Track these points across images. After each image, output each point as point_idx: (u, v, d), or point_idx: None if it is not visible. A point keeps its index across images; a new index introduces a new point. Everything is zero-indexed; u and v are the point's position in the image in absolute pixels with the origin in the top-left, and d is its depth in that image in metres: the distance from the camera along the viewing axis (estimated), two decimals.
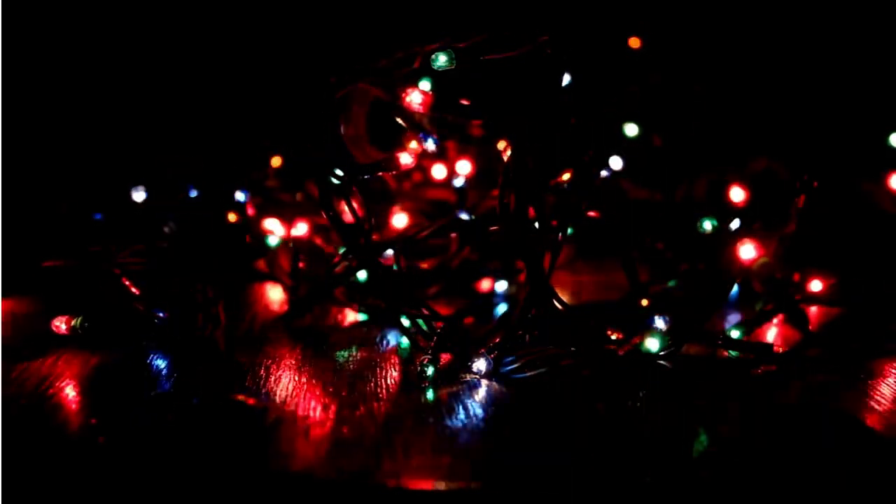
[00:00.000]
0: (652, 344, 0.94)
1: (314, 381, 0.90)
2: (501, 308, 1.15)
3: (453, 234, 1.17)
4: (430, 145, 0.95)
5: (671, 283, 1.15)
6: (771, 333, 1.07)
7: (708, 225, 1.09)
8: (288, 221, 1.19)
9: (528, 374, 0.91)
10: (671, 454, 0.76)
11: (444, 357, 0.94)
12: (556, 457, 0.75)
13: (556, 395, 0.88)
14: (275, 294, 1.24)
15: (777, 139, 1.25)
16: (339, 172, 0.97)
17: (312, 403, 0.85)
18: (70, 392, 0.87)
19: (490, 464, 0.73)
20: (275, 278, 1.26)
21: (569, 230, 0.98)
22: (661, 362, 0.95)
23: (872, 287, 1.13)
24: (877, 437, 0.80)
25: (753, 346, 0.99)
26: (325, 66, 0.98)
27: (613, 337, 0.97)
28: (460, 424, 0.80)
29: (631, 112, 1.19)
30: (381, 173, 0.97)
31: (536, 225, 0.96)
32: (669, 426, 0.81)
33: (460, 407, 0.84)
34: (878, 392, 0.88)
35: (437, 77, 0.92)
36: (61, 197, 1.30)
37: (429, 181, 1.27)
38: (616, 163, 1.20)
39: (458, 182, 1.24)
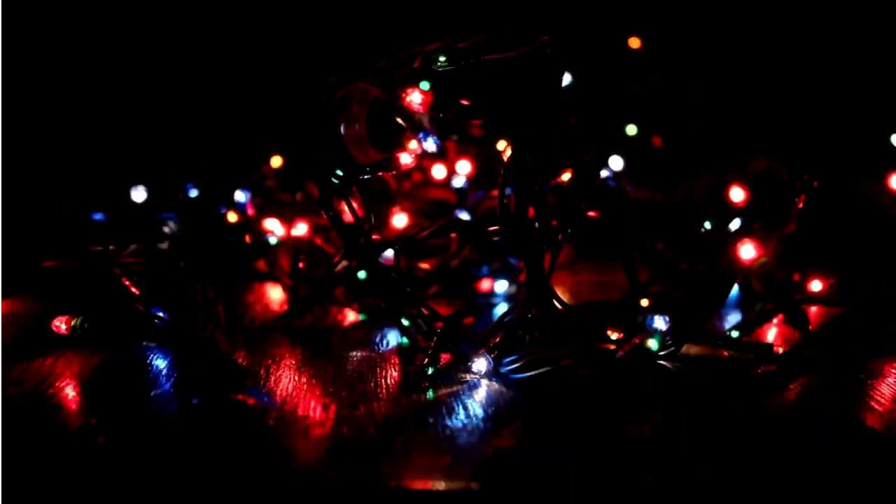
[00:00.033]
0: (652, 344, 0.94)
1: (314, 381, 0.90)
2: (501, 308, 1.15)
3: (453, 234, 1.17)
4: (431, 145, 0.95)
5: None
6: (771, 333, 1.07)
7: (708, 225, 1.09)
8: (288, 221, 1.19)
9: (528, 374, 0.91)
10: (671, 454, 0.76)
11: (444, 357, 0.94)
12: (556, 457, 0.75)
13: (556, 395, 0.88)
14: (275, 294, 1.24)
15: (777, 139, 1.25)
16: (339, 172, 0.97)
17: (312, 403, 0.85)
18: (70, 392, 0.87)
19: (490, 464, 0.73)
20: (275, 278, 1.26)
21: (569, 230, 0.98)
22: (662, 362, 0.95)
23: (872, 287, 1.13)
24: (877, 437, 0.80)
25: (753, 346, 0.99)
26: (325, 66, 0.98)
27: (613, 337, 0.97)
28: (460, 424, 0.80)
29: (631, 112, 1.19)
30: (381, 173, 0.97)
31: (536, 225, 0.96)
32: (669, 426, 0.81)
33: (460, 407, 0.84)
34: (878, 392, 0.88)
35: (437, 77, 0.92)
36: (61, 197, 1.30)
37: (429, 181, 1.27)
38: (616, 163, 1.20)
39: (458, 182, 1.24)
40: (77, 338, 0.99)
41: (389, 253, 1.07)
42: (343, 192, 0.99)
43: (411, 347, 0.99)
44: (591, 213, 1.05)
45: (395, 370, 0.94)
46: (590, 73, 1.03)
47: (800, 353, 0.97)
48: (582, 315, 1.01)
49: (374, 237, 1.02)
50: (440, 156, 1.22)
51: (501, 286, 1.19)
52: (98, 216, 1.28)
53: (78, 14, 1.47)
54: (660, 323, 0.96)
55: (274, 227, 1.22)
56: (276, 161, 1.28)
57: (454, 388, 0.88)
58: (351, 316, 1.13)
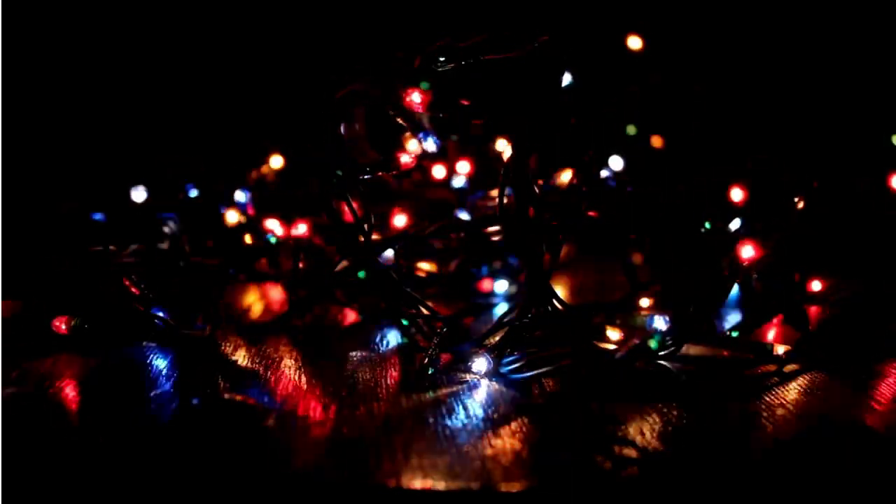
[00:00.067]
0: (652, 344, 0.94)
1: (314, 381, 0.90)
2: (501, 308, 1.15)
3: (454, 235, 1.17)
4: (431, 145, 0.95)
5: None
6: (771, 333, 1.07)
7: (707, 225, 1.09)
8: (288, 221, 1.19)
9: (528, 374, 0.91)
10: (671, 454, 0.76)
11: (444, 357, 0.94)
12: (556, 457, 0.75)
13: (556, 395, 0.88)
14: (275, 294, 1.24)
15: (777, 139, 1.25)
16: (339, 172, 0.96)
17: (312, 403, 0.85)
18: (70, 392, 0.87)
19: (490, 464, 0.73)
20: (275, 278, 1.26)
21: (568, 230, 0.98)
22: (662, 362, 0.95)
23: (872, 287, 1.13)
24: (877, 436, 0.80)
25: (753, 346, 0.99)
26: (325, 66, 0.98)
27: (613, 337, 0.97)
28: (460, 424, 0.80)
29: (631, 112, 1.19)
30: (381, 173, 0.97)
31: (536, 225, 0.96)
32: (669, 426, 0.81)
33: (460, 407, 0.84)
34: (878, 392, 0.88)
35: (437, 77, 0.92)
36: (61, 197, 1.30)
37: (429, 181, 1.27)
38: (616, 163, 1.20)
39: (458, 182, 1.24)
40: (77, 338, 0.99)
41: (389, 253, 1.07)
42: (343, 192, 0.99)
43: (411, 347, 0.99)
44: (591, 213, 1.05)
45: (395, 370, 0.94)
46: (590, 73, 1.03)
47: (800, 353, 0.97)
48: (582, 315, 1.01)
49: (374, 237, 1.02)
50: (440, 156, 1.22)
51: (501, 286, 1.19)
52: (98, 216, 1.28)
53: (78, 14, 1.47)
54: (660, 323, 0.97)
55: (274, 227, 1.22)
56: (277, 161, 1.28)
57: (454, 388, 0.88)
58: (351, 316, 1.13)
